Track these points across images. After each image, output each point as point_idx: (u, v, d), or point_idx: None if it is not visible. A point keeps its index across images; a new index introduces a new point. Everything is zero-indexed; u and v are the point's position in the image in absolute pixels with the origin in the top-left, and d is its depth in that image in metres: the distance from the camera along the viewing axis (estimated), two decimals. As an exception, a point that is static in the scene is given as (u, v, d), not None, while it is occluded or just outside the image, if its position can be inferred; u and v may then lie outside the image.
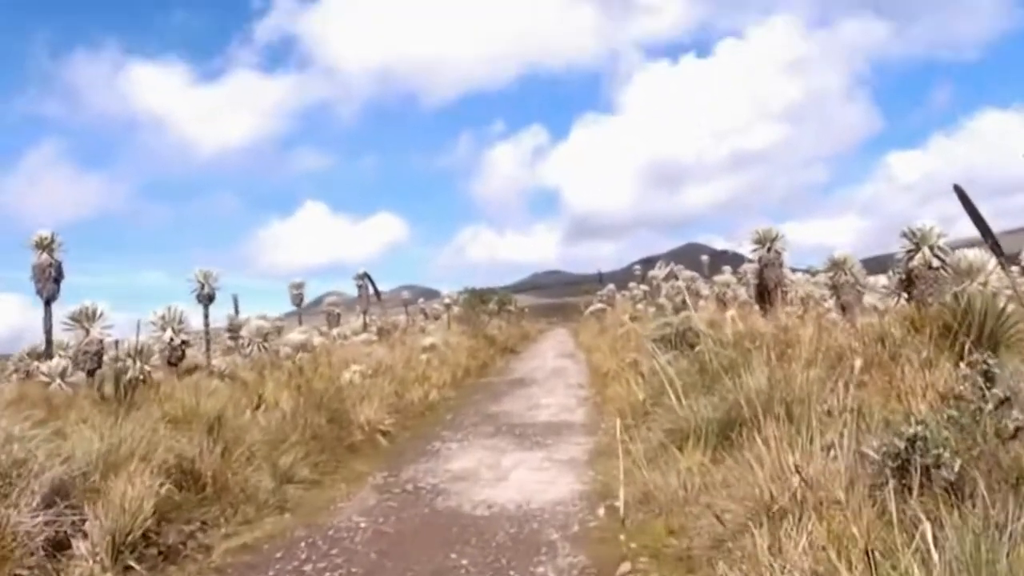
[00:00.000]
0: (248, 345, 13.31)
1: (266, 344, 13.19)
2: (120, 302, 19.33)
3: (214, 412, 7.52)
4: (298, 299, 20.92)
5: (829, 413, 5.62)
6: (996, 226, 8.94)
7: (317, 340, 17.45)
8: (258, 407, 8.72)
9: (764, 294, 13.98)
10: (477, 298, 28.48)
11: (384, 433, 10.46)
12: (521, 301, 57.72)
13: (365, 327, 20.06)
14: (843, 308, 13.47)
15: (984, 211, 8.39)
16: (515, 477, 7.65)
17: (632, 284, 40.66)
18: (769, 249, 13.78)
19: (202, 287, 13.63)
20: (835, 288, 13.18)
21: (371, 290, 19.77)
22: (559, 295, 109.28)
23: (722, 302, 21.07)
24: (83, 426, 6.71)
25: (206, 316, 13.80)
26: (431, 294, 44.85)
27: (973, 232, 8.60)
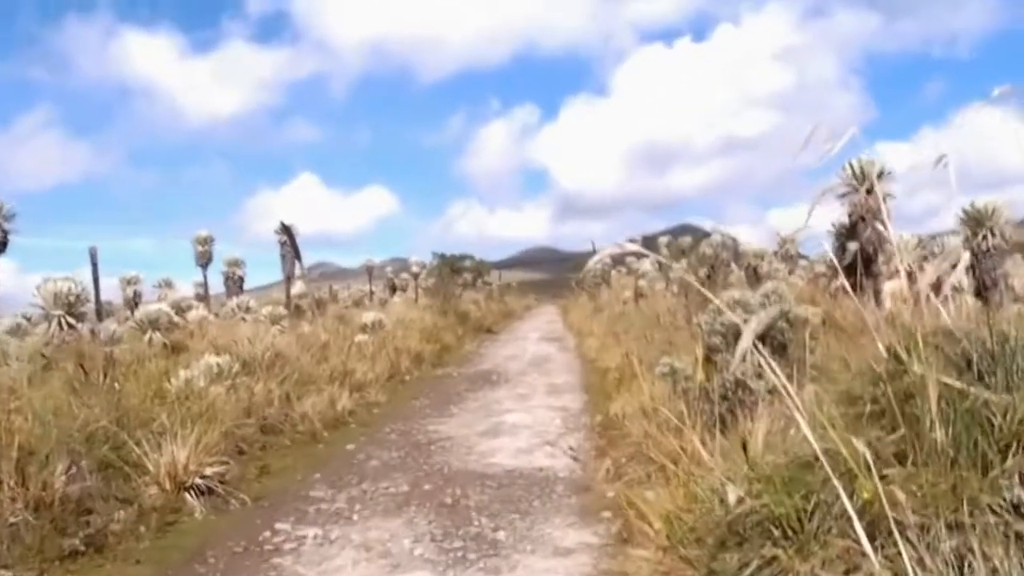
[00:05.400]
0: (47, 321, 8.43)
1: (69, 320, 8.31)
2: (111, 266, 16.87)
3: None
4: (204, 258, 16.02)
5: None
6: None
7: (196, 315, 12.61)
8: None
9: (859, 265, 9.16)
10: (448, 266, 23.57)
11: (203, 492, 5.64)
12: (510, 276, 53.28)
13: (288, 298, 15.21)
14: (982, 290, 8.66)
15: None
16: None
17: (631, 259, 36.00)
18: (869, 191, 8.94)
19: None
20: (976, 257, 8.35)
21: (294, 250, 14.87)
22: (549, 271, 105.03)
23: (756, 277, 16.37)
24: None
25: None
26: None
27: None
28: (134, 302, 16.64)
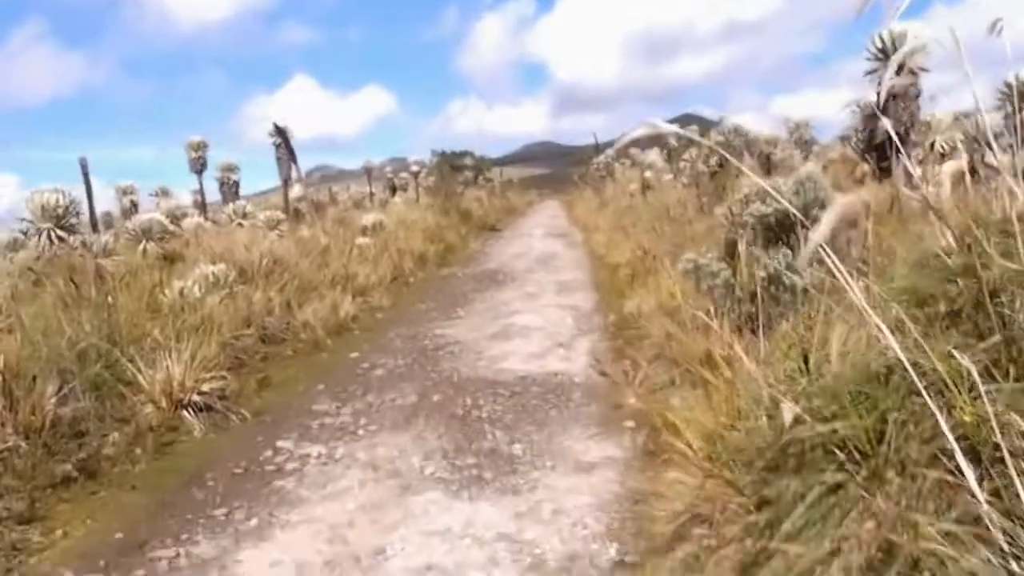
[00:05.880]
0: (36, 235, 8.03)
1: (59, 233, 7.91)
2: (112, 177, 16.67)
3: None
4: (198, 164, 15.49)
5: None
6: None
7: (191, 223, 12.19)
8: None
9: (888, 146, 8.70)
10: (448, 164, 22.96)
11: (202, 409, 5.35)
12: (511, 173, 52.53)
13: (286, 202, 14.74)
14: None
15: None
16: None
17: (635, 151, 35.30)
18: (901, 69, 8.39)
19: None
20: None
21: (289, 152, 14.31)
22: (550, 166, 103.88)
23: (769, 165, 15.81)
24: None
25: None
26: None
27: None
28: (131, 212, 16.22)
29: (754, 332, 4.98)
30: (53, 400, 4.81)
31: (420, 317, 8.87)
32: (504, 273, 12.20)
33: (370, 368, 6.53)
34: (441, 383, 5.89)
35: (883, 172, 8.57)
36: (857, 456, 2.31)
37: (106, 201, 17.63)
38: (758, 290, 3.73)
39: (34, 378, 4.82)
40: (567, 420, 4.82)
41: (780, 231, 5.25)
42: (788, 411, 2.44)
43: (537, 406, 5.14)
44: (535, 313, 8.58)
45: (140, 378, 5.35)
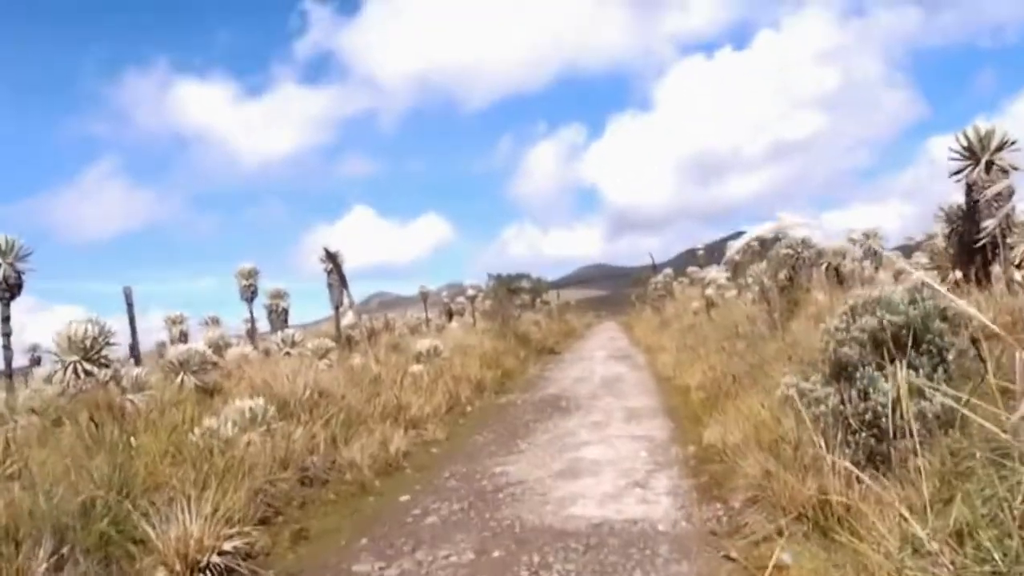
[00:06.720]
0: (62, 369, 7.50)
1: (86, 366, 7.36)
2: (174, 308, 17.14)
3: None
4: (249, 292, 15.15)
5: None
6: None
7: (235, 353, 11.66)
8: None
9: (975, 252, 7.87)
10: (504, 287, 22.46)
11: (222, 573, 4.57)
12: (567, 295, 52.23)
13: (338, 329, 14.22)
14: None
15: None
16: None
17: (694, 269, 34.81)
18: (990, 167, 7.64)
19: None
20: None
21: (341, 278, 13.87)
22: (606, 287, 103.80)
23: (839, 277, 14.90)
24: None
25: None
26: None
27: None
28: (180, 342, 15.88)
29: (877, 469, 4.13)
30: (44, 566, 4.10)
31: (478, 452, 8.06)
32: (566, 399, 11.38)
33: (422, 515, 5.72)
34: (502, 534, 5.05)
35: (980, 277, 7.72)
36: None
37: (161, 331, 17.44)
38: (910, 422, 2.86)
39: (16, 542, 4.12)
40: (657, 587, 3.93)
41: (896, 347, 4.42)
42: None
43: (617, 564, 4.26)
44: (604, 445, 7.73)
45: (152, 535, 4.63)
